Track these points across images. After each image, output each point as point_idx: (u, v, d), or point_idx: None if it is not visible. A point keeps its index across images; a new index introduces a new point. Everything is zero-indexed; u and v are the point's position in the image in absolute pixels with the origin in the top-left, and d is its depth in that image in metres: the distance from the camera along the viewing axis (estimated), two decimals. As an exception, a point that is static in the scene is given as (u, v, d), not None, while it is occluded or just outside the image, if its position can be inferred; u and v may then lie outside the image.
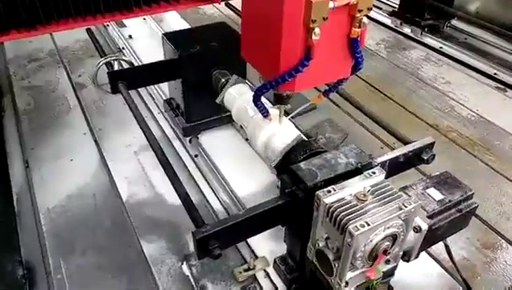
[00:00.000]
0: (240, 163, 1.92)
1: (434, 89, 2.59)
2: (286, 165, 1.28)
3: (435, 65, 2.84)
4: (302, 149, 1.27)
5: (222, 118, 2.01)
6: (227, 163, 1.89)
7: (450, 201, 1.23)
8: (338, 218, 1.05)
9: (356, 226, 1.00)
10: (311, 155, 1.27)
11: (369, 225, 1.01)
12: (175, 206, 1.73)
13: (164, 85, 2.20)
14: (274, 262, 1.44)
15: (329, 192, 1.09)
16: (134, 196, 1.79)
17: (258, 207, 1.14)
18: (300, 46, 1.02)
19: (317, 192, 1.09)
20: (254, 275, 1.47)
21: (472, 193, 1.24)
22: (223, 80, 1.73)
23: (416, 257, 1.18)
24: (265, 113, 1.22)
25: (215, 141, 2.02)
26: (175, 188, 1.32)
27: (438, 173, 1.33)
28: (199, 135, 2.02)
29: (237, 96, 1.56)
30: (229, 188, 1.77)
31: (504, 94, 2.52)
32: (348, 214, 1.05)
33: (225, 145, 2.01)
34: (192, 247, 1.57)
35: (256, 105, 1.17)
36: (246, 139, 1.99)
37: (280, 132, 1.34)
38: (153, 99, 2.32)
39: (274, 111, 1.39)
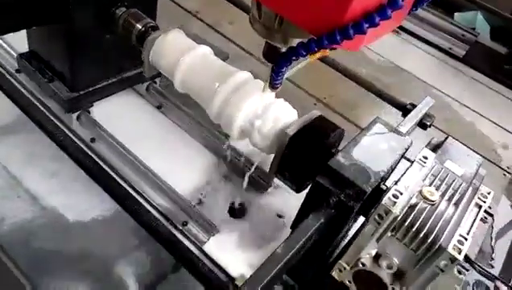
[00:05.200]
0: (162, 140, 1.38)
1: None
2: (293, 155, 0.88)
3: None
4: (321, 129, 0.88)
5: (124, 79, 1.39)
6: (145, 145, 1.33)
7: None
8: (421, 235, 0.75)
9: (455, 246, 0.72)
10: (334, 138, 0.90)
11: (466, 239, 0.74)
12: (82, 224, 1.14)
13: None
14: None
15: (396, 197, 0.76)
16: (7, 219, 1.11)
17: (298, 235, 0.73)
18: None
19: (384, 200, 0.75)
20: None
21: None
22: (138, 25, 1.13)
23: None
24: (277, 85, 0.76)
25: (117, 114, 1.40)
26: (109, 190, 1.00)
27: (437, 139, 1.14)
28: (91, 108, 1.36)
29: (181, 51, 1.01)
30: (161, 183, 1.24)
31: (400, 37, 2.52)
32: (432, 227, 0.75)
33: (134, 119, 1.42)
34: (132, 285, 1.05)
35: (278, 71, 0.70)
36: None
37: (281, 103, 0.92)
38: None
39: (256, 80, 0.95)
